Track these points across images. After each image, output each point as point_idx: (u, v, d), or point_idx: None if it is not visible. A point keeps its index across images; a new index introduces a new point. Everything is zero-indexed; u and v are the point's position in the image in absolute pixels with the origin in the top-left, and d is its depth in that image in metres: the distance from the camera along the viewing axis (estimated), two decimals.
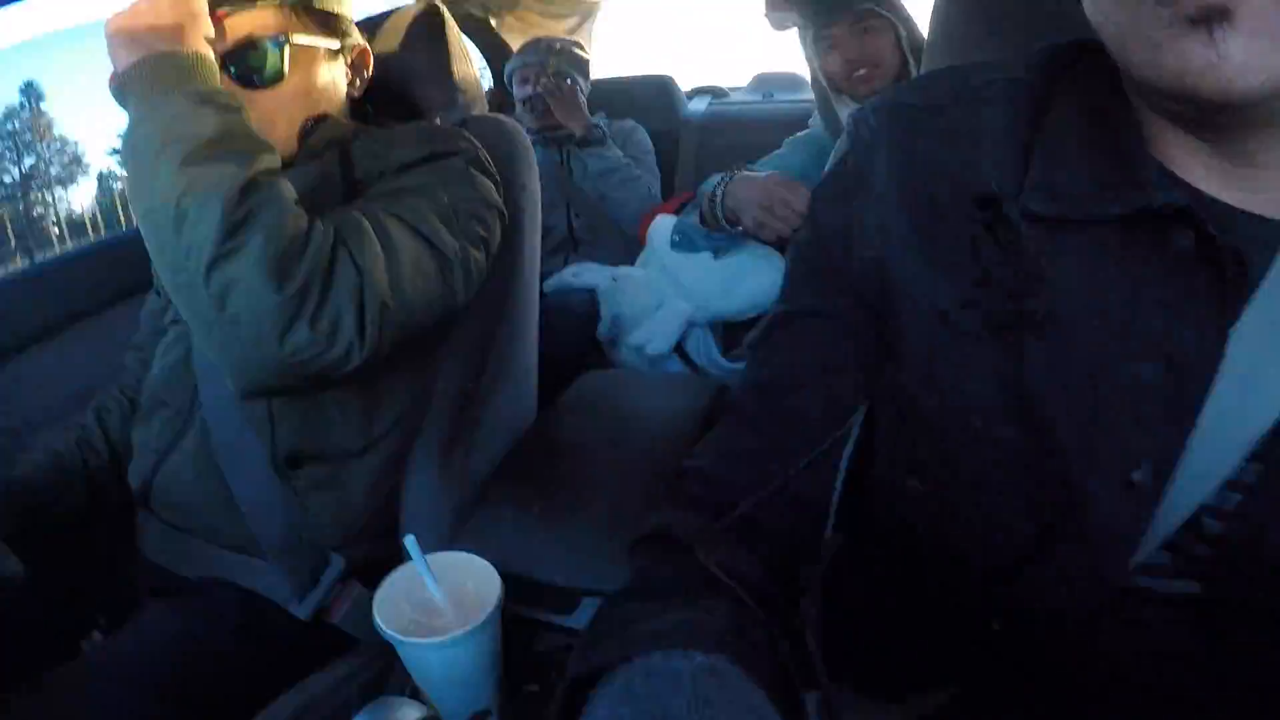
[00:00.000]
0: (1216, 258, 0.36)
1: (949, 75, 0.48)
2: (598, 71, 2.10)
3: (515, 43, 2.15)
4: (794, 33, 1.47)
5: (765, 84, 2.70)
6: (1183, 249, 0.37)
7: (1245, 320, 0.36)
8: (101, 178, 5.89)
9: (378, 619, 0.62)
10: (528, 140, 1.03)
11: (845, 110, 1.38)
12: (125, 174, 0.67)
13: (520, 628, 0.72)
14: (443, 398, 0.88)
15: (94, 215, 5.78)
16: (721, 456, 0.52)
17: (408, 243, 0.72)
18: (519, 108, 1.95)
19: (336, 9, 0.84)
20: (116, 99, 0.69)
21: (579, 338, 1.42)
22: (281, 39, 0.76)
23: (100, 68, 0.71)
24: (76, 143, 5.75)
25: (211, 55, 0.70)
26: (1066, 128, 0.42)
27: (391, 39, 1.01)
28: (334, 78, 0.84)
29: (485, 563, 0.67)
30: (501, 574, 0.66)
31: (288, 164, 0.76)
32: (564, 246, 1.84)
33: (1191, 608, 0.39)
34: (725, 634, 0.38)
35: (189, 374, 0.81)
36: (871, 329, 0.47)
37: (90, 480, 0.88)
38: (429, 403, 0.86)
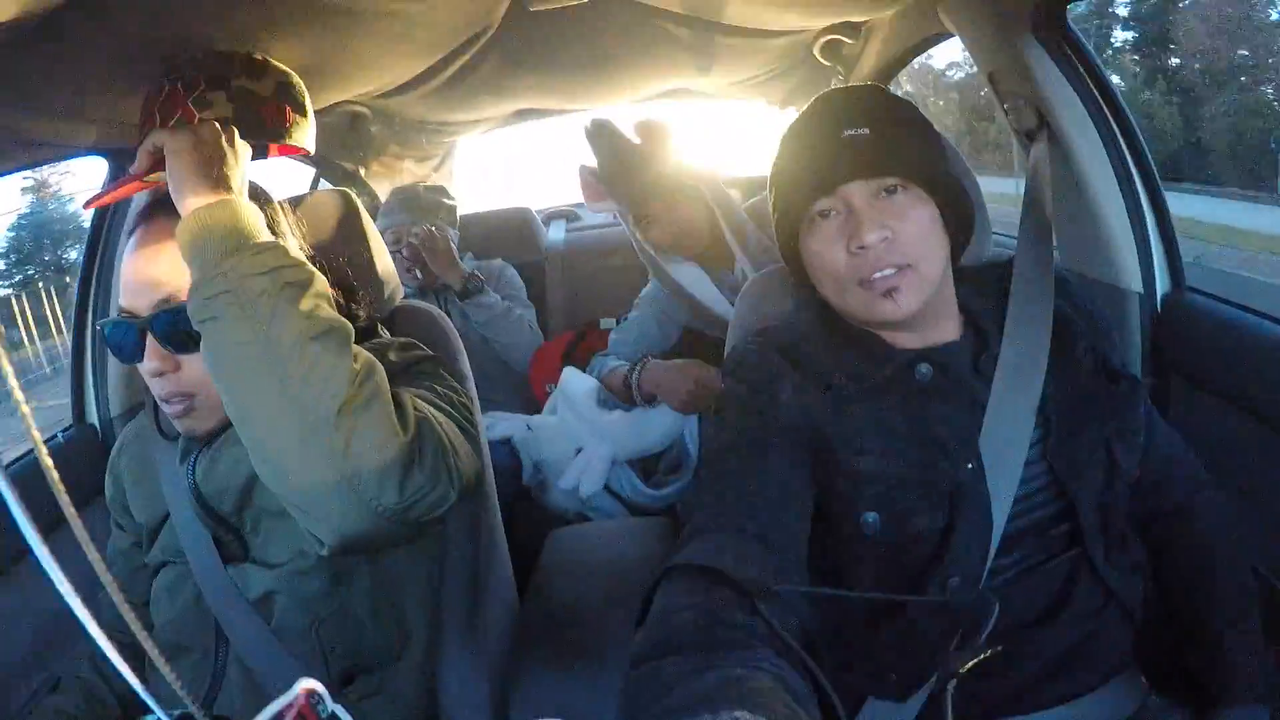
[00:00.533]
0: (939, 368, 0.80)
1: (765, 343, 0.86)
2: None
3: (382, 188, 2.18)
4: None
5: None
6: (923, 373, 0.78)
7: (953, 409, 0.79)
8: None
9: None
10: (451, 325, 1.08)
11: (674, 266, 1.58)
12: (228, 323, 0.64)
13: None
14: (454, 576, 0.91)
15: None
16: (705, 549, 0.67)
17: (433, 409, 0.75)
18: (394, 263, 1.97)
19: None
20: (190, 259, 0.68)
21: (506, 489, 1.47)
22: None
23: None
24: None
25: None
26: (839, 343, 0.83)
27: (315, 227, 1.01)
28: None
29: None
30: None
31: None
32: None
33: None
34: (771, 689, 0.47)
35: (206, 613, 0.78)
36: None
37: None
38: (444, 583, 0.89)
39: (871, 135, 0.77)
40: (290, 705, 0.38)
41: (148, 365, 0.76)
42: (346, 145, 1.89)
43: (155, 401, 0.84)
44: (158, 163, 0.72)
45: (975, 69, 1.27)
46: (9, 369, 0.33)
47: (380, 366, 0.67)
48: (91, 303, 1.34)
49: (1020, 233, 0.92)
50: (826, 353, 0.82)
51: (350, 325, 0.66)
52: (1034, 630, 0.74)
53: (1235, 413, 1.04)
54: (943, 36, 1.37)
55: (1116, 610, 0.77)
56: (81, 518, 0.33)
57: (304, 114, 1.05)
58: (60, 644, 0.98)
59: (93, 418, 1.36)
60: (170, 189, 0.68)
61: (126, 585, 0.86)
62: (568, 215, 2.76)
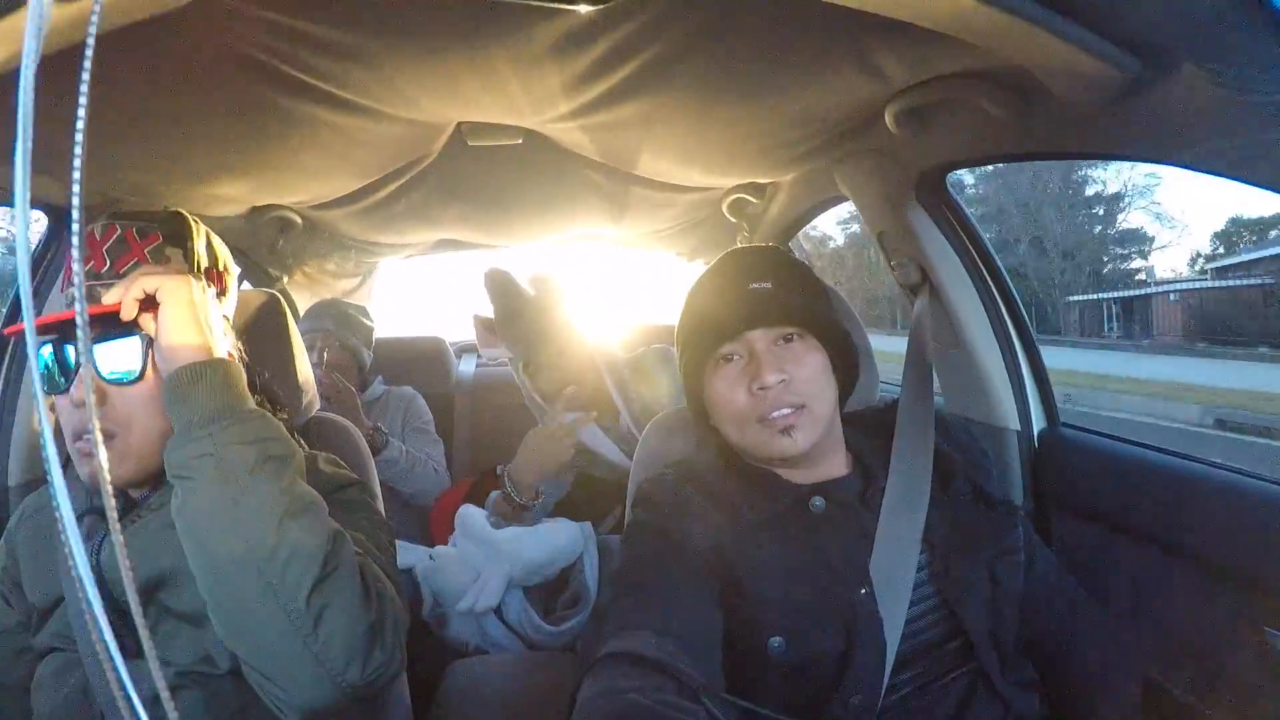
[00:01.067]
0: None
1: (677, 475, 0.92)
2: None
3: (303, 300, 2.14)
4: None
5: None
6: (818, 506, 0.84)
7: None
8: None
9: None
10: (364, 441, 1.06)
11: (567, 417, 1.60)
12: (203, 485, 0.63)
13: None
14: (353, 705, 0.83)
15: None
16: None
17: (370, 556, 0.73)
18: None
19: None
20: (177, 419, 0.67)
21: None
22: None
23: None
24: None
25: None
26: (738, 478, 0.89)
27: (240, 323, 1.00)
28: None
29: None
30: None
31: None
32: None
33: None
34: None
35: (92, 704, 0.70)
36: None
37: None
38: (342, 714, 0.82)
39: (774, 289, 0.87)
40: None
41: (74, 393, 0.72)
42: (275, 251, 1.87)
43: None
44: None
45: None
46: None
47: (348, 539, 0.67)
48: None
49: (904, 378, 1.02)
50: (729, 486, 0.87)
51: (318, 495, 0.67)
52: None
53: (1111, 533, 1.12)
54: (838, 199, 1.54)
55: None
56: None
57: (230, 283, 1.04)
58: None
59: None
60: (159, 335, 0.69)
61: (5, 668, 0.79)
62: (478, 350, 2.75)
